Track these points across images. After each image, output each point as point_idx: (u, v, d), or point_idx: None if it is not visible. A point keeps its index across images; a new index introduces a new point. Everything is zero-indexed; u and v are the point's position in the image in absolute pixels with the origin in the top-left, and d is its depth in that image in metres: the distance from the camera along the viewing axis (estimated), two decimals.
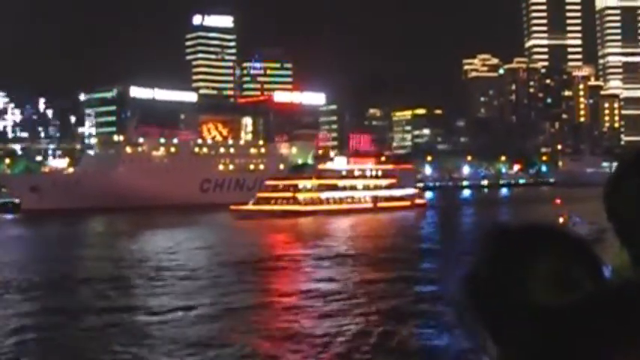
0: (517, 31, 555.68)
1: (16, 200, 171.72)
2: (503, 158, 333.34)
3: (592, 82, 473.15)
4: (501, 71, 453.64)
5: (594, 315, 1.76)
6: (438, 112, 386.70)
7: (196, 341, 37.96)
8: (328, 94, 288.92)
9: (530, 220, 2.02)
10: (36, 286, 56.84)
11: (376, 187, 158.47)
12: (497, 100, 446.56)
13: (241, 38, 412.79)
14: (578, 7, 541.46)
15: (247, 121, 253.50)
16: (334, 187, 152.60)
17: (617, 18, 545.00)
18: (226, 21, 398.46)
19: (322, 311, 45.28)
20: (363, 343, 37.03)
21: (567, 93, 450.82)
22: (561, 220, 77.86)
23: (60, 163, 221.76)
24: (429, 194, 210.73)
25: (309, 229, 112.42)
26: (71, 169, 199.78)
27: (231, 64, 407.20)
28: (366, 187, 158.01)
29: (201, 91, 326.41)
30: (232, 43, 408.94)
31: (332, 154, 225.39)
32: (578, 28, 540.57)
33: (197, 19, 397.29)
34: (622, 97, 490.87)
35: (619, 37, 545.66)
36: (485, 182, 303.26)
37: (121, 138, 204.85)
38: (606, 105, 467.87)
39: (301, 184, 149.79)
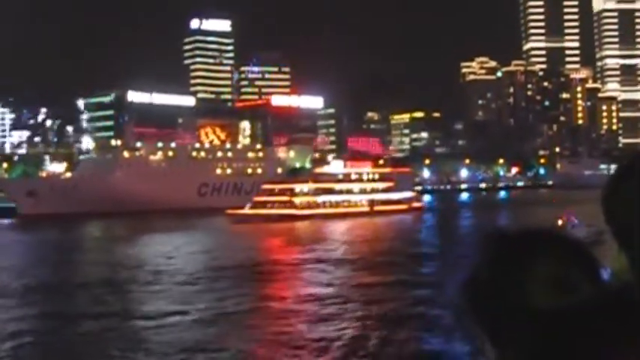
0: (515, 33, 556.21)
1: (13, 205, 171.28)
2: (501, 161, 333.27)
3: (590, 84, 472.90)
4: (499, 74, 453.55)
5: (594, 316, 1.76)
6: (436, 115, 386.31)
7: (192, 346, 37.89)
8: (326, 97, 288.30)
9: (529, 224, 2.02)
10: (33, 291, 56.74)
11: (373, 191, 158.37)
12: (495, 103, 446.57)
13: (239, 42, 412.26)
14: (575, 10, 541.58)
15: (245, 125, 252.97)
16: (331, 191, 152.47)
17: (615, 20, 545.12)
18: (224, 25, 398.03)
19: (319, 315, 45.21)
20: (361, 347, 36.95)
21: (565, 95, 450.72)
22: (560, 222, 77.83)
23: (58, 167, 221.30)
24: (427, 197, 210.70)
25: (305, 233, 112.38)
26: (69, 174, 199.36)
27: (229, 68, 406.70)
28: (363, 191, 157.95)
29: (199, 95, 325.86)
30: (230, 47, 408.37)
31: (330, 157, 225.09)
32: (576, 30, 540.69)
33: (195, 23, 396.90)
34: (620, 100, 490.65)
35: (617, 40, 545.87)
36: (483, 185, 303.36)
37: (119, 142, 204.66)
38: (604, 107, 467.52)
39: (298, 187, 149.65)
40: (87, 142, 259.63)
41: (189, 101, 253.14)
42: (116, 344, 38.98)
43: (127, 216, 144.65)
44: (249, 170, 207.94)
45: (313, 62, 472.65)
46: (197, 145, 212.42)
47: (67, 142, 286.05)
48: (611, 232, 2.07)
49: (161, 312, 47.10)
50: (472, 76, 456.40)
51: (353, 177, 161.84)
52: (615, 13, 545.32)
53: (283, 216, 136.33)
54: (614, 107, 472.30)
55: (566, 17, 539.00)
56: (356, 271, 65.50)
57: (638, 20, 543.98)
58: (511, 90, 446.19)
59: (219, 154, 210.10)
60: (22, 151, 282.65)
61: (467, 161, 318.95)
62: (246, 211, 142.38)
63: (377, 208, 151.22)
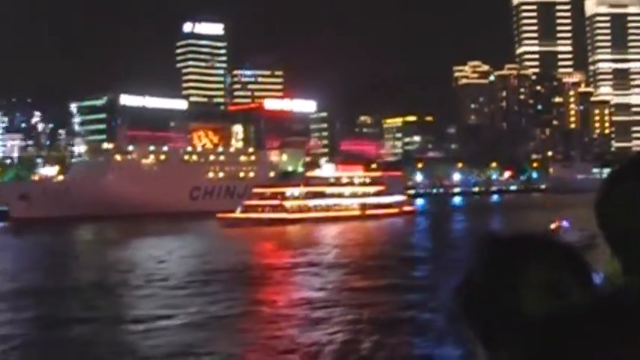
0: (508, 37, 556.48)
1: (5, 208, 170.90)
2: (493, 165, 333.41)
3: (582, 88, 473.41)
4: (492, 78, 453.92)
5: (588, 319, 1.77)
6: (429, 119, 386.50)
7: (182, 349, 37.68)
8: (319, 101, 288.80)
9: (522, 228, 2.07)
10: (24, 294, 56.48)
11: (364, 195, 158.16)
12: (487, 107, 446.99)
13: (232, 46, 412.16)
14: (568, 14, 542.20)
15: (238, 129, 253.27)
16: (322, 195, 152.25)
17: (607, 25, 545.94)
18: (217, 29, 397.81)
19: (310, 319, 45.01)
20: (352, 351, 36.77)
21: (558, 99, 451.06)
22: (553, 226, 77.78)
23: (50, 170, 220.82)
24: (419, 201, 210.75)
25: (296, 237, 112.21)
26: (61, 177, 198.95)
27: (221, 71, 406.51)
28: (354, 195, 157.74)
29: (192, 99, 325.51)
30: (223, 51, 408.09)
31: (322, 161, 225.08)
32: (569, 35, 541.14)
33: (188, 27, 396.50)
34: (612, 104, 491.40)
35: (609, 44, 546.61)
36: (476, 189, 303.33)
37: (111, 146, 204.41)
38: (597, 111, 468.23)
39: (288, 191, 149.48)
40: (79, 146, 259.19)
41: (181, 105, 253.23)
42: (106, 348, 38.81)
43: (119, 219, 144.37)
44: (242, 174, 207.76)
45: (306, 66, 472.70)
46: (189, 148, 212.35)
47: (60, 145, 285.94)
48: (604, 237, 2.07)
49: (151, 316, 46.92)
50: (465, 80, 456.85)
51: (344, 181, 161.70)
52: (607, 18, 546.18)
53: (274, 220, 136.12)
54: (606, 111, 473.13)
55: (559, 21, 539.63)
56: (347, 275, 65.31)
57: (630, 24, 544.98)
58: (504, 94, 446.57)
59: (212, 157, 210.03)
60: (15, 154, 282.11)
61: (459, 165, 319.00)
62: (237, 214, 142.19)
63: (368, 211, 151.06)
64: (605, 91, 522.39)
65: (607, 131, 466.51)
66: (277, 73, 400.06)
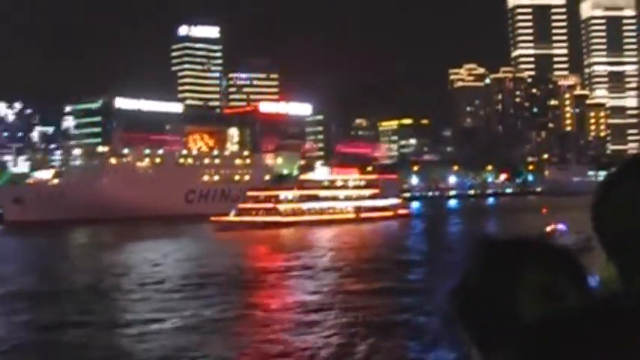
0: (503, 40, 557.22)
1: None
2: (489, 168, 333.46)
3: (578, 91, 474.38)
4: (487, 81, 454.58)
5: (584, 322, 1.77)
6: (425, 122, 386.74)
7: (175, 353, 37.56)
8: (314, 104, 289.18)
9: (518, 231, 2.11)
10: (17, 298, 56.31)
11: (359, 198, 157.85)
12: (483, 110, 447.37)
13: (227, 49, 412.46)
14: (563, 17, 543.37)
15: (233, 132, 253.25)
16: (315, 198, 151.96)
17: (603, 28, 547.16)
18: (212, 32, 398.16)
19: (305, 323, 44.86)
20: (347, 355, 36.65)
21: (553, 102, 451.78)
22: (548, 229, 77.74)
23: (44, 174, 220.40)
24: (415, 204, 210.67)
25: (290, 240, 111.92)
26: (56, 181, 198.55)
27: (217, 74, 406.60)
28: (348, 198, 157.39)
29: (187, 102, 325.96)
30: (218, 54, 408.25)
31: (318, 164, 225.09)
32: (564, 37, 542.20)
33: (183, 30, 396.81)
34: (608, 106, 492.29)
35: (604, 47, 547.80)
36: (471, 192, 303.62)
37: (106, 149, 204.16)
38: (592, 114, 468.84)
39: (282, 194, 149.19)
40: (74, 149, 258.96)
41: (176, 108, 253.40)
42: (101, 352, 38.71)
43: (114, 223, 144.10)
44: (237, 177, 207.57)
45: (302, 69, 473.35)
46: (185, 151, 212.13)
47: (54, 148, 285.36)
48: (600, 240, 2.07)
49: (145, 319, 46.81)
50: (460, 83, 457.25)
51: (339, 184, 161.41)
52: (603, 21, 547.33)
53: (268, 223, 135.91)
54: (602, 114, 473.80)
55: (554, 24, 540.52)
56: (342, 278, 65.17)
57: (625, 27, 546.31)
58: (499, 97, 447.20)
59: (207, 160, 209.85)
60: (9, 157, 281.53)
61: (455, 168, 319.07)
62: (231, 218, 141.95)
63: (363, 214, 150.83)
64: (600, 94, 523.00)
65: (602, 134, 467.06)
66: (273, 76, 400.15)
